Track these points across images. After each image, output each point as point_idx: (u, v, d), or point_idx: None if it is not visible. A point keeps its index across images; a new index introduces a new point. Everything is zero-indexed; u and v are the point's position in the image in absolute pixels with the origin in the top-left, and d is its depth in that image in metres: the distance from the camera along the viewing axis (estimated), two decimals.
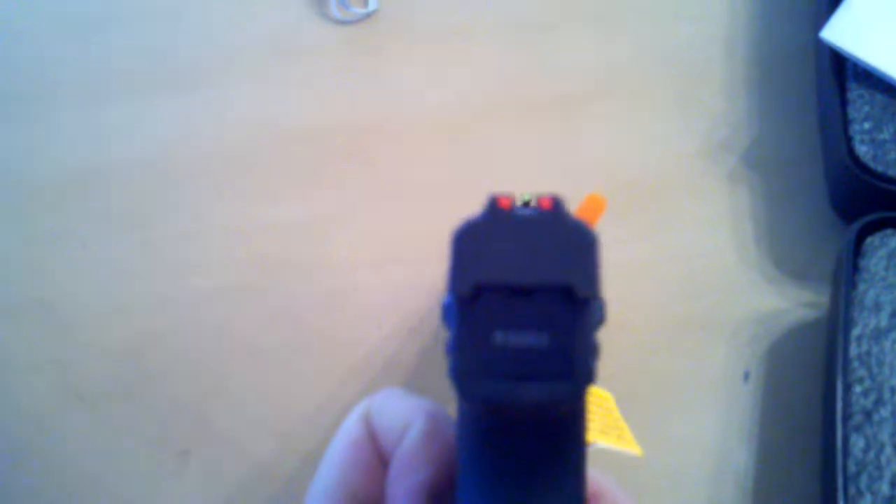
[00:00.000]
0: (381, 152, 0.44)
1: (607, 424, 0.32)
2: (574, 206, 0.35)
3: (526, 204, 0.19)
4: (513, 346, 0.18)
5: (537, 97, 0.45)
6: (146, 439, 0.38)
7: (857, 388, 0.33)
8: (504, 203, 0.19)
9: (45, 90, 0.47)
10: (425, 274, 0.40)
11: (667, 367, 0.38)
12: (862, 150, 0.37)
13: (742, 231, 0.41)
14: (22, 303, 0.42)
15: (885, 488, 0.31)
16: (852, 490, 0.31)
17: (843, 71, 0.39)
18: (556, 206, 0.19)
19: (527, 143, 0.44)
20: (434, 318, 0.39)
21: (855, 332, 0.34)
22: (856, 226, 0.36)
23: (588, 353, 0.18)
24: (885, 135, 0.37)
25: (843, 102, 0.38)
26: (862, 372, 0.33)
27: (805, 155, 0.42)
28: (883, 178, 0.36)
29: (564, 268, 0.18)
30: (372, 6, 0.47)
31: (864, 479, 0.31)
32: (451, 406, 0.20)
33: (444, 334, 0.18)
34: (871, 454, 0.31)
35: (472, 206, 0.19)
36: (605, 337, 0.18)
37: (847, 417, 0.32)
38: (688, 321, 0.39)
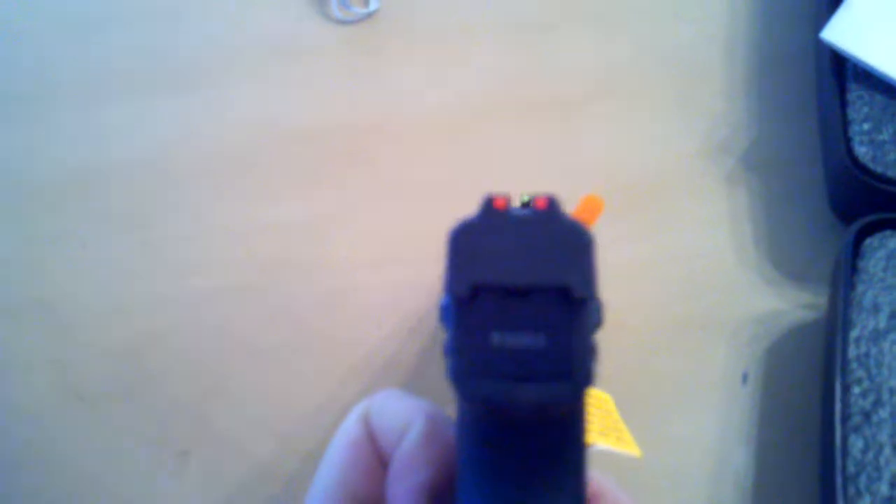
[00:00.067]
0: (382, 152, 0.44)
1: (606, 426, 0.32)
2: (572, 207, 0.35)
3: (525, 205, 0.19)
4: (510, 346, 0.18)
5: (537, 97, 0.45)
6: (146, 439, 0.39)
7: (856, 389, 0.33)
8: (500, 203, 0.19)
9: (45, 90, 0.47)
10: (425, 274, 0.40)
11: (666, 367, 0.38)
12: (861, 151, 0.37)
13: (741, 232, 0.41)
14: (22, 303, 0.42)
15: (883, 489, 0.31)
16: (851, 490, 0.31)
17: (842, 72, 0.39)
18: (552, 206, 0.19)
19: (527, 144, 0.44)
20: (433, 319, 0.40)
21: (854, 333, 0.34)
22: (854, 227, 0.36)
23: (586, 354, 0.18)
24: (885, 136, 0.37)
25: (843, 103, 0.38)
26: (861, 373, 0.33)
27: (804, 156, 0.42)
28: (882, 179, 0.36)
29: (561, 268, 0.18)
30: (373, 6, 0.47)
31: (862, 480, 0.31)
32: (450, 407, 0.20)
33: (443, 335, 0.18)
34: (870, 455, 0.31)
35: (471, 207, 0.19)
36: (604, 337, 0.18)
37: (846, 418, 0.32)
38: (687, 322, 0.39)
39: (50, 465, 0.38)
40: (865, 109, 0.38)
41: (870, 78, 0.38)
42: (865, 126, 0.37)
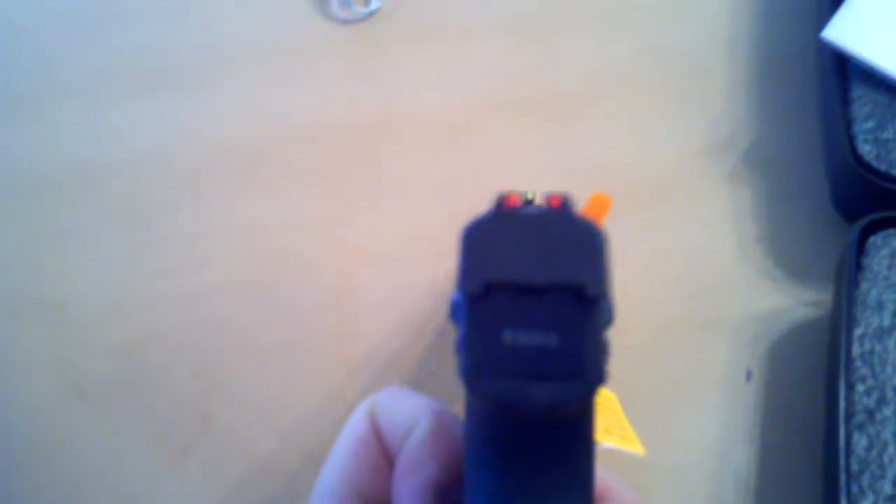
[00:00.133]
0: (383, 151, 0.44)
1: (611, 424, 0.32)
2: (579, 206, 0.35)
3: (528, 202, 0.19)
4: (522, 345, 0.18)
5: (539, 96, 0.45)
6: (147, 437, 0.38)
7: (860, 387, 0.33)
8: (512, 201, 0.19)
9: (46, 88, 0.47)
10: (427, 272, 0.40)
11: (669, 366, 0.38)
12: (865, 150, 0.37)
13: (744, 230, 0.41)
14: (22, 300, 0.42)
15: (887, 487, 0.31)
16: (854, 489, 0.31)
17: (845, 70, 0.39)
18: (565, 204, 0.19)
19: (528, 143, 0.44)
20: (436, 316, 0.39)
21: (857, 331, 0.34)
22: (859, 225, 0.36)
23: (598, 354, 0.18)
24: (888, 134, 0.37)
25: (846, 102, 0.38)
26: (864, 371, 0.33)
27: (807, 154, 0.42)
28: (886, 177, 0.36)
29: (574, 267, 0.18)
30: (374, 5, 0.47)
31: (866, 478, 0.31)
32: (456, 405, 0.20)
33: (449, 332, 0.18)
34: (874, 453, 0.31)
35: (473, 206, 0.19)
36: (609, 336, 0.18)
37: (850, 416, 0.32)
38: (689, 320, 0.39)
39: (50, 463, 0.38)
40: (868, 108, 0.38)
41: (872, 77, 0.38)
42: (869, 124, 0.37)
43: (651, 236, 0.41)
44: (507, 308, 0.18)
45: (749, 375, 0.38)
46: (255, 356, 0.40)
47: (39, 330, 0.41)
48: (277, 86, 0.46)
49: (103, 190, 0.44)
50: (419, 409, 0.22)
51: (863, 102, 0.38)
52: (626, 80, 0.45)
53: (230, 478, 0.38)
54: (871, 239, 0.35)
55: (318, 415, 0.38)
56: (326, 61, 0.47)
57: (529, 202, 0.19)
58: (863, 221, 0.36)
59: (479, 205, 0.19)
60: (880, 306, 0.34)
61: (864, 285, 0.34)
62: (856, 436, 0.32)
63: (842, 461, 0.31)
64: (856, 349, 0.33)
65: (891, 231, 0.35)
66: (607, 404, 0.34)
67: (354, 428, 0.23)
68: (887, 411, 0.32)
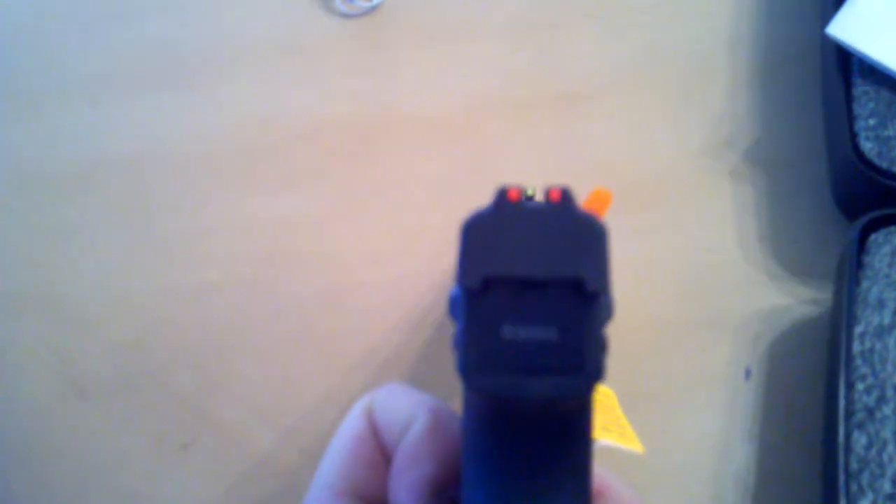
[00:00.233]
0: (385, 146, 0.44)
1: (609, 421, 0.32)
2: (580, 201, 0.35)
3: (529, 198, 0.19)
4: (521, 340, 0.18)
5: (541, 93, 0.45)
6: (147, 432, 0.38)
7: (860, 386, 0.32)
8: (513, 195, 0.19)
9: (47, 87, 0.47)
10: (428, 269, 0.40)
11: (668, 364, 0.38)
12: (867, 147, 0.37)
13: (745, 228, 0.41)
14: (23, 299, 0.41)
15: (886, 486, 0.31)
16: (854, 487, 0.31)
17: (848, 67, 0.39)
18: (566, 197, 0.19)
19: (529, 140, 0.44)
20: (436, 313, 0.39)
21: (858, 329, 0.33)
22: (860, 223, 0.36)
23: (598, 349, 0.18)
24: (891, 131, 0.37)
25: (849, 99, 0.38)
26: (865, 369, 0.33)
27: (809, 152, 0.42)
28: (888, 174, 0.36)
29: (574, 261, 0.18)
30: (376, 0, 0.47)
31: (865, 477, 0.31)
32: (454, 401, 0.20)
33: (448, 327, 0.18)
34: (874, 451, 0.31)
35: (474, 203, 0.19)
36: (608, 333, 0.18)
37: (849, 414, 0.32)
38: (690, 318, 0.39)
39: (50, 461, 0.38)
40: (871, 105, 0.38)
41: (875, 73, 0.38)
42: (871, 121, 0.37)
43: (651, 235, 0.41)
44: (507, 303, 0.18)
45: (748, 374, 0.37)
46: (255, 354, 0.40)
47: (40, 328, 0.41)
48: (278, 84, 0.46)
49: (104, 188, 0.44)
50: (416, 406, 0.22)
51: (865, 99, 0.38)
52: (625, 79, 0.45)
53: (230, 475, 0.37)
54: (873, 236, 0.35)
55: (319, 410, 0.38)
56: (328, 59, 0.46)
57: (530, 198, 0.19)
58: (864, 219, 0.36)
59: (480, 203, 0.19)
60: (881, 304, 0.34)
61: (864, 283, 0.34)
62: (855, 434, 0.32)
63: (841, 460, 0.31)
64: (856, 347, 0.33)
65: (892, 228, 0.35)
66: (606, 402, 0.34)
67: (352, 425, 0.23)
68: (887, 410, 0.32)
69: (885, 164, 0.36)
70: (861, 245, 0.35)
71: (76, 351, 0.40)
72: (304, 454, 0.38)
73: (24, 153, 0.45)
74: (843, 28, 0.39)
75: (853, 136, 0.37)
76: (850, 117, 0.38)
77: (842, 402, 0.32)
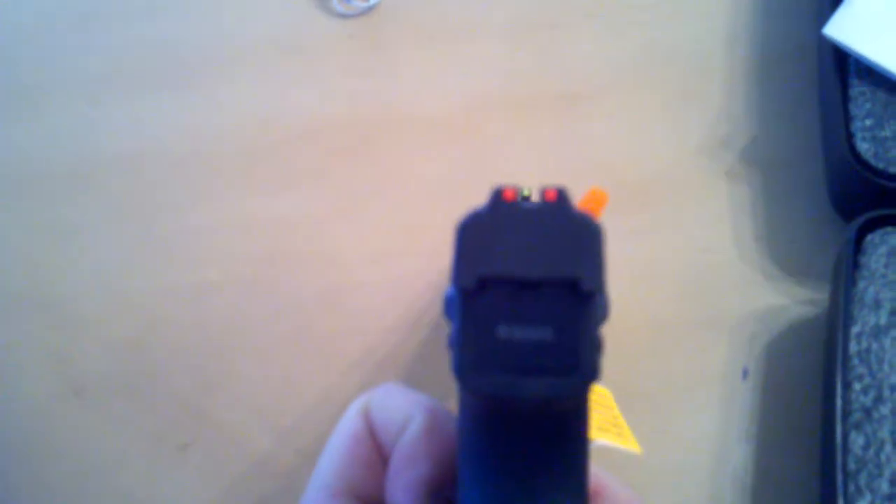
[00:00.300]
0: (385, 147, 0.44)
1: (606, 421, 0.32)
2: (576, 201, 0.35)
3: (525, 198, 0.19)
4: (517, 340, 0.18)
5: (539, 93, 0.45)
6: (146, 433, 0.38)
7: (857, 386, 0.33)
8: (509, 195, 0.19)
9: (47, 87, 0.47)
10: (426, 269, 0.40)
11: (666, 363, 0.38)
12: (863, 148, 0.37)
13: (742, 228, 0.41)
14: (22, 298, 0.42)
15: (884, 486, 0.31)
16: (851, 488, 0.31)
17: (845, 68, 0.39)
18: (561, 197, 0.19)
19: (527, 140, 0.44)
20: (433, 312, 0.39)
21: (855, 329, 0.34)
22: (856, 223, 0.36)
23: (593, 349, 0.18)
24: (887, 132, 0.37)
25: (845, 99, 0.38)
26: (862, 369, 0.33)
27: (805, 152, 0.42)
28: (884, 175, 0.36)
29: (570, 261, 0.18)
30: (373, 0, 0.47)
31: (863, 477, 0.31)
32: (450, 401, 0.20)
33: (445, 328, 0.18)
34: (871, 452, 0.31)
35: (473, 203, 0.19)
36: (604, 333, 0.18)
37: (847, 415, 0.32)
38: (687, 318, 0.39)
39: (49, 461, 0.38)
40: (868, 105, 0.38)
41: (872, 74, 0.38)
42: (867, 122, 0.37)
43: (648, 235, 0.41)
44: (502, 303, 0.18)
45: (745, 374, 0.37)
46: (254, 354, 0.40)
47: (39, 328, 0.41)
48: (278, 84, 0.46)
49: (104, 188, 0.44)
50: (413, 406, 0.22)
51: (862, 100, 0.38)
52: (625, 79, 0.45)
53: (229, 473, 0.38)
54: (869, 237, 0.35)
55: (317, 410, 0.38)
56: (327, 59, 0.46)
57: (526, 198, 0.19)
58: (860, 219, 0.36)
59: (479, 203, 0.19)
60: (877, 304, 0.34)
61: (861, 283, 0.34)
62: (853, 434, 0.32)
63: (839, 460, 0.31)
64: (853, 347, 0.33)
65: (888, 229, 0.35)
66: (602, 401, 0.34)
67: (348, 425, 0.23)
68: (884, 410, 0.32)
69: (881, 165, 0.36)
70: (857, 245, 0.35)
71: (75, 351, 0.40)
72: (302, 454, 0.38)
73: (24, 153, 0.45)
74: (839, 28, 0.39)
75: (850, 136, 0.37)
76: (847, 118, 0.38)
77: (839, 403, 0.32)
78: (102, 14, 0.49)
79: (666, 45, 0.45)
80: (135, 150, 0.45)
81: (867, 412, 0.32)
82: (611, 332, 0.18)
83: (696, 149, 0.43)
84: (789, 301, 0.39)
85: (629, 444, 0.32)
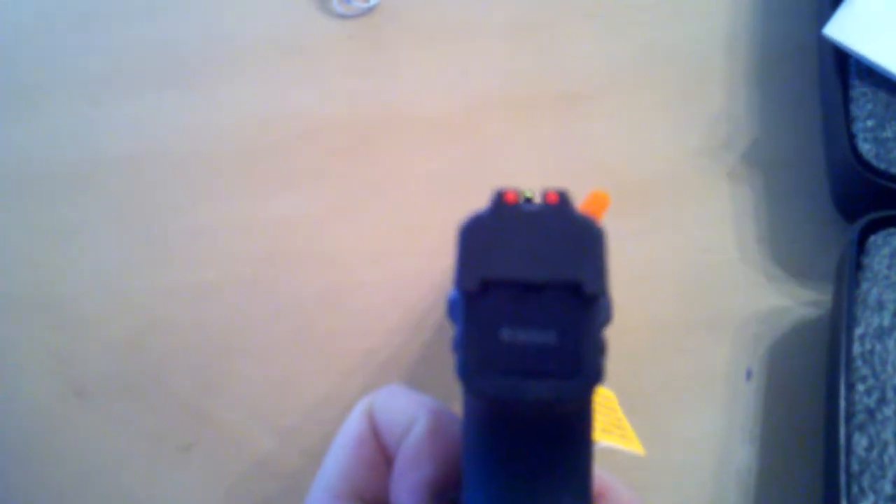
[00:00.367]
0: (385, 147, 0.44)
1: (610, 423, 0.32)
2: (577, 204, 0.35)
3: (527, 200, 0.19)
4: (520, 342, 0.18)
5: (539, 93, 0.45)
6: (148, 434, 0.38)
7: (860, 387, 0.32)
8: (510, 197, 0.19)
9: (47, 87, 0.47)
10: (427, 269, 0.40)
11: (668, 365, 0.38)
12: (865, 148, 0.37)
13: (744, 229, 0.41)
14: (23, 298, 0.41)
15: (887, 487, 0.31)
16: (855, 489, 0.31)
17: (846, 68, 0.39)
18: (563, 200, 0.19)
19: (528, 140, 0.44)
20: (436, 314, 0.39)
21: (858, 330, 0.33)
22: (859, 224, 0.36)
23: (596, 352, 0.18)
24: (889, 133, 0.37)
25: (846, 100, 0.38)
26: (865, 370, 0.33)
27: (807, 153, 0.42)
28: (886, 175, 0.36)
29: (573, 264, 0.18)
30: (373, 0, 0.47)
31: (866, 478, 0.31)
32: (454, 402, 0.20)
33: (449, 330, 0.18)
34: (874, 453, 0.31)
35: (473, 203, 0.19)
36: (607, 335, 0.18)
37: (850, 416, 0.32)
38: (689, 320, 0.39)
39: (50, 461, 0.38)
40: (869, 106, 0.38)
41: (873, 75, 0.38)
42: (869, 123, 0.37)
43: (650, 236, 0.41)
44: (505, 306, 0.18)
45: (749, 375, 0.37)
46: (255, 354, 0.40)
47: (39, 328, 0.41)
48: (278, 84, 0.46)
49: (104, 188, 0.44)
50: (417, 408, 0.22)
51: (863, 101, 0.38)
52: (625, 79, 0.45)
53: (231, 474, 0.37)
54: (872, 238, 0.35)
55: (319, 411, 0.38)
56: (327, 59, 0.46)
57: (527, 201, 0.19)
58: (863, 220, 0.36)
59: (479, 203, 0.19)
60: (881, 306, 0.34)
61: (864, 285, 0.34)
62: (856, 436, 0.32)
63: (842, 461, 0.31)
64: (856, 349, 0.33)
65: (891, 230, 0.35)
66: (606, 403, 0.34)
67: (353, 426, 0.23)
68: (888, 411, 0.32)
69: (883, 166, 0.36)
70: (860, 247, 0.35)
71: (76, 351, 0.40)
72: (304, 455, 0.38)
73: (24, 153, 0.45)
74: (840, 29, 0.39)
75: (851, 137, 0.37)
76: (848, 119, 0.38)
77: (842, 404, 0.32)
78: (102, 14, 0.49)
79: (666, 45, 0.45)
80: (135, 150, 0.45)
81: (870, 413, 0.32)
82: (613, 333, 0.18)
83: (696, 149, 0.43)
84: (792, 302, 0.39)
85: (633, 445, 0.32)
